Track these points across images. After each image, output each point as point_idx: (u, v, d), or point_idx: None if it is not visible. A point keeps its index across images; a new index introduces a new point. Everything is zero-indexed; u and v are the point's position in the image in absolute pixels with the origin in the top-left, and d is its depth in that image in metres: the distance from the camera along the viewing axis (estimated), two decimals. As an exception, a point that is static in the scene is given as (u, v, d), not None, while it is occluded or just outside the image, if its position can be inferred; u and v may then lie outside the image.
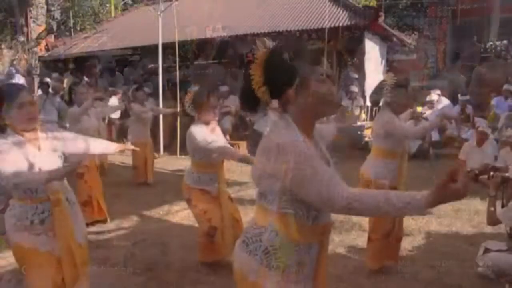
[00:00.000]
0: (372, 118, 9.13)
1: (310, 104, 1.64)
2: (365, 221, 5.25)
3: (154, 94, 11.37)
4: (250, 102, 1.68)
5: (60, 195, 2.62)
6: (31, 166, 2.47)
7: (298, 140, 1.57)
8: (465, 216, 5.37)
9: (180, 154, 10.45)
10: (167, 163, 9.62)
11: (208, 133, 3.75)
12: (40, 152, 2.54)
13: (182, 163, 9.50)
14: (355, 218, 5.48)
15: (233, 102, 11.36)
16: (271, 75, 1.61)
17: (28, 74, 12.35)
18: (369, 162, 3.83)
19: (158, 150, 10.36)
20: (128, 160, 9.63)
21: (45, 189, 2.53)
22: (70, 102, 5.08)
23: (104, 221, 5.31)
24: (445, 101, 9.38)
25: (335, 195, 1.46)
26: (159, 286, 3.62)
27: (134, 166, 7.45)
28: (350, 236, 4.87)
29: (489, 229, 4.84)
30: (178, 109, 9.74)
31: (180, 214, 5.77)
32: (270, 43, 1.67)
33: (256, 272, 1.65)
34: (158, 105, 10.78)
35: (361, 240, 4.69)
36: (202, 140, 3.66)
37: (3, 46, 12.53)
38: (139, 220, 5.57)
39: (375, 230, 3.81)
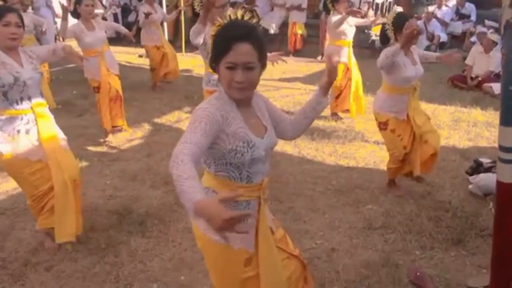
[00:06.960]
0: (383, 15, 8.85)
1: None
2: (368, 131, 5.49)
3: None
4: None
5: (41, 107, 2.99)
6: (16, 79, 2.83)
7: (207, 108, 1.70)
8: (464, 127, 5.58)
9: (186, 52, 10.42)
10: (173, 62, 9.60)
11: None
12: (24, 69, 2.89)
13: (189, 61, 9.52)
14: (358, 127, 5.69)
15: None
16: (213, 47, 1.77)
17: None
18: (376, 97, 3.92)
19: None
20: (133, 59, 9.67)
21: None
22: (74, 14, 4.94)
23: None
24: None
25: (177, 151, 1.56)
26: (176, 199, 3.81)
27: (151, 68, 7.68)
28: (353, 147, 5.08)
29: (484, 142, 5.11)
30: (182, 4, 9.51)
31: (190, 122, 5.98)
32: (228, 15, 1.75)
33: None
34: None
35: (364, 152, 4.94)
36: (192, 33, 3.73)
37: None
38: (151, 129, 5.81)
39: (390, 150, 3.94)
